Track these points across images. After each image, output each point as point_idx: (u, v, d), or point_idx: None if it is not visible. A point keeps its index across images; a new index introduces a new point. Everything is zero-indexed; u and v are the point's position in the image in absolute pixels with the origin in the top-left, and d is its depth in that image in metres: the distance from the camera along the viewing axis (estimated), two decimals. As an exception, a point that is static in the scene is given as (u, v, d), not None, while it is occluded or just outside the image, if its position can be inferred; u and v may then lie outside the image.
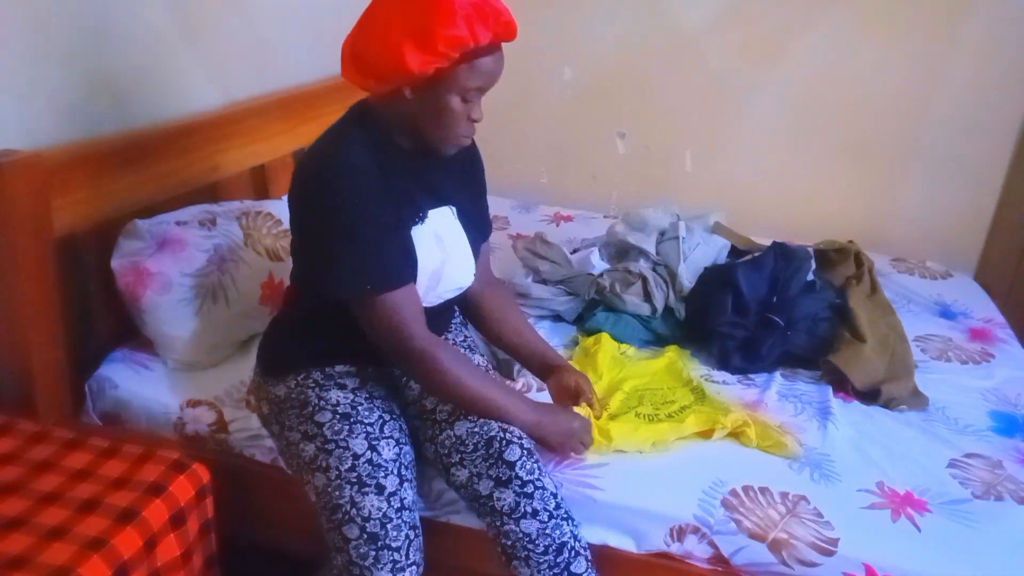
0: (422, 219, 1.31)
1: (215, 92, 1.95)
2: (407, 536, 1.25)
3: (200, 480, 1.26)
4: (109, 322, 1.64)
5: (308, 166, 1.28)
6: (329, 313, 1.34)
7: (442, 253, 1.33)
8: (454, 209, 1.38)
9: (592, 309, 1.89)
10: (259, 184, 2.07)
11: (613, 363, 1.69)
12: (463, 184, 1.43)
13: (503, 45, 1.23)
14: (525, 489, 1.27)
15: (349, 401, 1.32)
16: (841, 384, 1.69)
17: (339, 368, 1.37)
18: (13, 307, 1.39)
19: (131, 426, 1.58)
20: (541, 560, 1.25)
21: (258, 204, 1.86)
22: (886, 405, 1.64)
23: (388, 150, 1.29)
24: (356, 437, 1.27)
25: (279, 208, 1.88)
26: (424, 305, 1.31)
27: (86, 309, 1.59)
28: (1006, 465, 1.47)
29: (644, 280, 1.89)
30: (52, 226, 1.44)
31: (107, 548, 1.07)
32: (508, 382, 1.63)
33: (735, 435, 1.49)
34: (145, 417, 1.57)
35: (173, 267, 1.59)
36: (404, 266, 1.27)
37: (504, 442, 1.31)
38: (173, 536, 1.19)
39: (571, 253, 2.14)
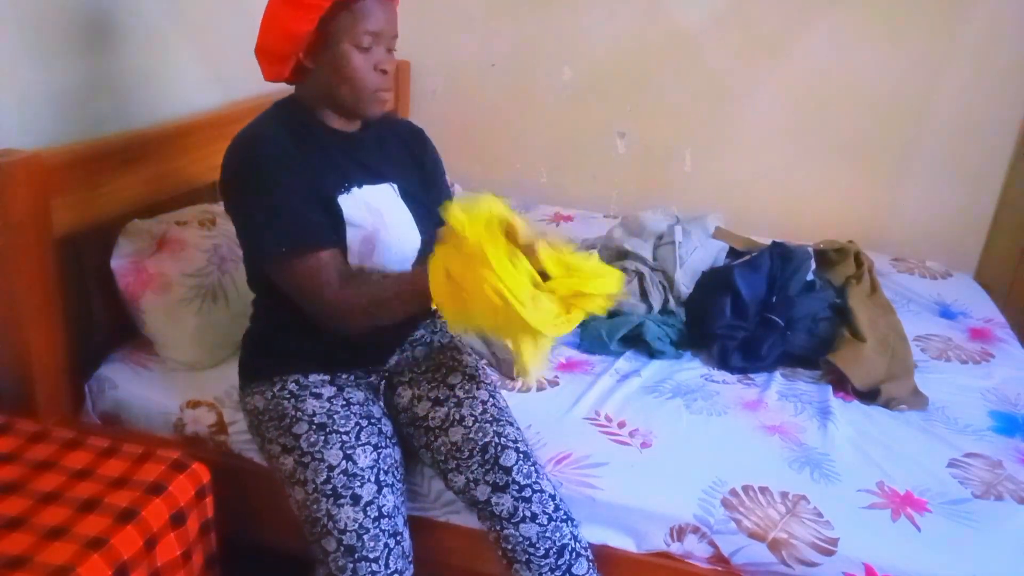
0: (347, 189, 1.32)
1: (215, 92, 1.95)
2: (386, 545, 1.23)
3: (200, 480, 1.26)
4: (109, 322, 1.64)
5: (226, 153, 1.30)
6: (285, 315, 1.35)
7: (373, 220, 1.33)
8: (395, 186, 1.39)
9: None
10: (259, 184, 2.06)
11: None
12: (405, 167, 1.45)
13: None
14: (523, 493, 1.27)
15: (325, 410, 1.31)
16: (841, 384, 1.69)
17: (313, 378, 1.37)
18: (13, 307, 1.39)
19: (131, 426, 1.58)
20: (542, 563, 1.25)
21: (258, 204, 1.85)
22: (886, 405, 1.64)
23: (311, 127, 1.32)
24: (331, 448, 1.27)
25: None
26: (372, 270, 1.34)
27: (86, 309, 1.59)
28: (1006, 465, 1.47)
29: (641, 278, 1.89)
30: (52, 226, 1.44)
31: (107, 548, 1.07)
32: (507, 381, 1.63)
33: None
34: (145, 417, 1.57)
35: (173, 267, 1.59)
36: (322, 229, 1.26)
37: (500, 447, 1.31)
38: (173, 536, 1.19)
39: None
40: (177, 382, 1.60)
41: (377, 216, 1.34)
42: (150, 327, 1.60)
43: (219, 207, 1.78)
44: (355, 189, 1.32)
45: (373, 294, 1.25)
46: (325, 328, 1.28)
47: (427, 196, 1.46)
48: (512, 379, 1.64)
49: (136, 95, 1.71)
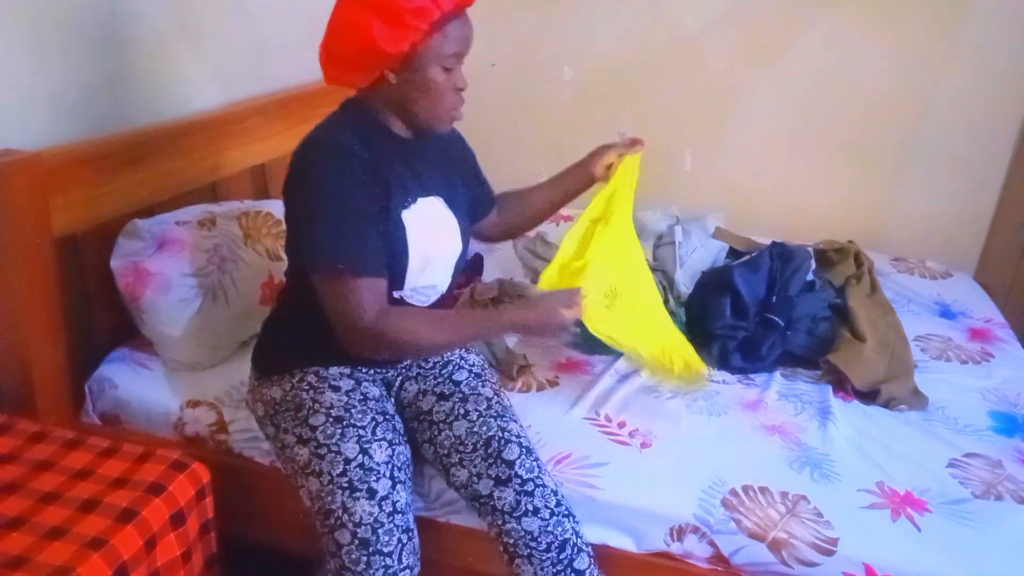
0: (408, 205, 1.32)
1: (215, 92, 1.95)
2: (399, 540, 1.24)
3: (200, 480, 1.26)
4: (109, 322, 1.64)
5: (298, 152, 1.29)
6: (322, 309, 1.35)
7: (428, 234, 1.34)
8: (442, 199, 1.40)
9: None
10: (259, 184, 2.07)
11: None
12: (450, 175, 1.45)
13: (468, 12, 1.28)
14: (525, 487, 1.28)
15: (343, 404, 1.32)
16: (841, 384, 1.69)
17: (333, 370, 1.37)
18: (13, 307, 1.39)
19: (131, 426, 1.58)
20: (544, 557, 1.25)
21: (258, 204, 1.86)
22: (886, 405, 1.64)
23: (381, 136, 1.31)
24: (348, 441, 1.27)
25: (279, 208, 1.87)
26: (423, 286, 1.35)
27: (86, 309, 1.59)
28: (1006, 465, 1.47)
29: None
30: (52, 226, 1.44)
31: (107, 548, 1.07)
32: (507, 381, 1.63)
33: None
34: (145, 417, 1.57)
35: (173, 267, 1.59)
36: (379, 257, 1.26)
37: (503, 441, 1.32)
38: (173, 536, 1.19)
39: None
40: (177, 382, 1.60)
41: (431, 230, 1.35)
42: (150, 327, 1.60)
43: (219, 207, 1.78)
44: (414, 205, 1.33)
45: (427, 329, 1.27)
46: (349, 349, 1.27)
47: (467, 202, 1.48)
48: (512, 379, 1.65)
49: (136, 95, 1.71)
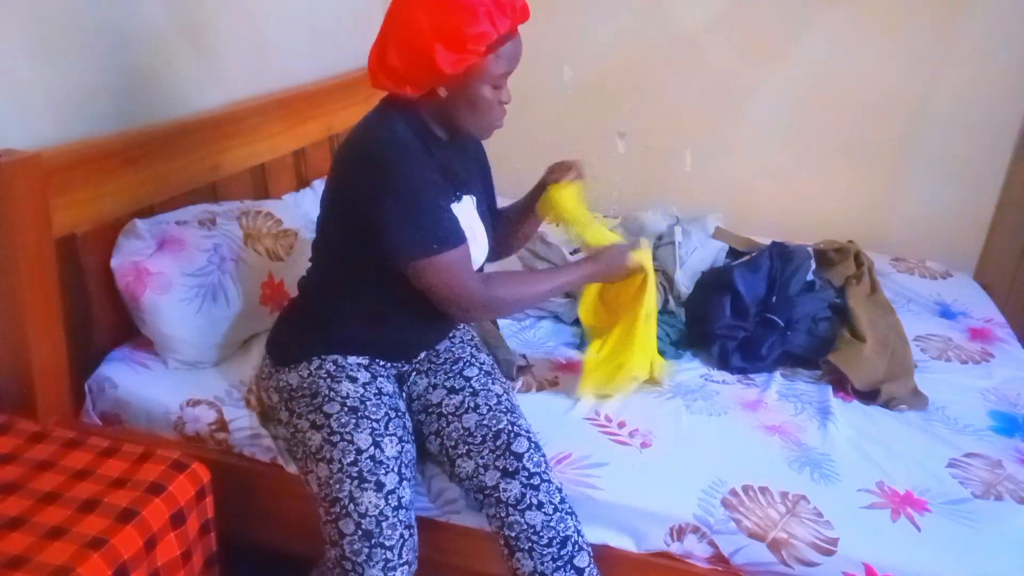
0: (457, 199, 1.36)
1: (215, 92, 1.95)
2: (401, 535, 1.25)
3: (200, 480, 1.26)
4: (109, 322, 1.64)
5: (359, 147, 1.30)
6: (348, 301, 1.38)
7: (470, 234, 1.36)
8: (473, 199, 1.42)
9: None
10: (259, 184, 2.07)
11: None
12: (477, 178, 1.48)
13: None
14: (532, 481, 1.29)
15: (359, 395, 1.33)
16: (841, 384, 1.69)
17: (352, 360, 1.38)
18: (13, 307, 1.39)
19: (131, 426, 1.58)
20: (545, 552, 1.26)
21: (258, 204, 1.86)
22: (886, 405, 1.64)
23: (424, 134, 1.33)
24: (361, 432, 1.29)
25: (279, 208, 1.88)
26: None
27: (86, 309, 1.59)
28: (1006, 465, 1.47)
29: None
30: (52, 226, 1.44)
31: (107, 548, 1.07)
32: (509, 382, 1.63)
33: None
34: (145, 417, 1.57)
35: (173, 267, 1.59)
36: (459, 227, 1.31)
37: (512, 435, 1.34)
38: (173, 536, 1.19)
39: (571, 253, 2.15)
40: (177, 381, 1.60)
41: (469, 228, 1.36)
42: (150, 327, 1.60)
43: (219, 207, 1.78)
44: (457, 203, 1.35)
45: (526, 288, 1.39)
46: (467, 320, 1.32)
47: (489, 201, 1.51)
48: (513, 380, 1.64)
49: (136, 95, 1.71)
